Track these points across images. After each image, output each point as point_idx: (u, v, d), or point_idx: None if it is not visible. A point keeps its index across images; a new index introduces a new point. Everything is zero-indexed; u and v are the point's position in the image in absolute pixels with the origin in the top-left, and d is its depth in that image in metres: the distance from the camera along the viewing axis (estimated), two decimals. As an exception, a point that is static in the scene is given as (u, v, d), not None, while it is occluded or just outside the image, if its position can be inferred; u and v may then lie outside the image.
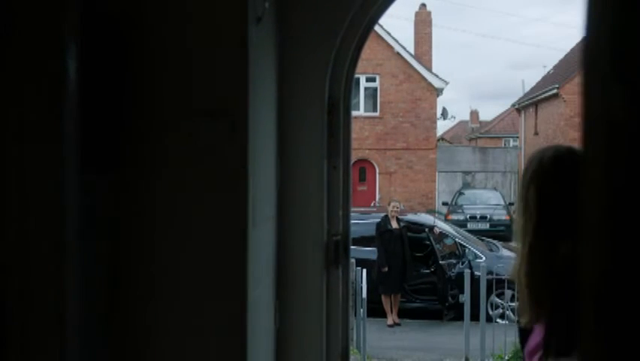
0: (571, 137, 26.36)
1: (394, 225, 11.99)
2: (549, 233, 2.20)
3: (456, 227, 15.60)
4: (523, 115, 34.66)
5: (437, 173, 27.75)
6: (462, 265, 11.79)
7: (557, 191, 2.22)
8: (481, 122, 56.26)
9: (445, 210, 25.19)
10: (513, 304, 10.95)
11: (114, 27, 2.76)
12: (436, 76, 27.50)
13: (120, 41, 2.79)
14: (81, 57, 2.41)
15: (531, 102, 32.37)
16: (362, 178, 26.97)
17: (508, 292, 10.93)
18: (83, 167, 2.44)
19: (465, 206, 24.99)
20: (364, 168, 27.01)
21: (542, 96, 30.00)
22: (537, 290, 2.21)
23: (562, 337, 2.12)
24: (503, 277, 10.10)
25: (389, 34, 26.79)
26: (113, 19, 2.75)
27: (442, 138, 42.82)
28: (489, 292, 9.85)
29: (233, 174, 2.86)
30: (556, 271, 2.15)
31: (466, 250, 12.53)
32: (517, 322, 2.45)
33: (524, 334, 2.33)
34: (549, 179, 2.24)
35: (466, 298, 9.31)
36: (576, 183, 2.26)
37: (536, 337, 2.24)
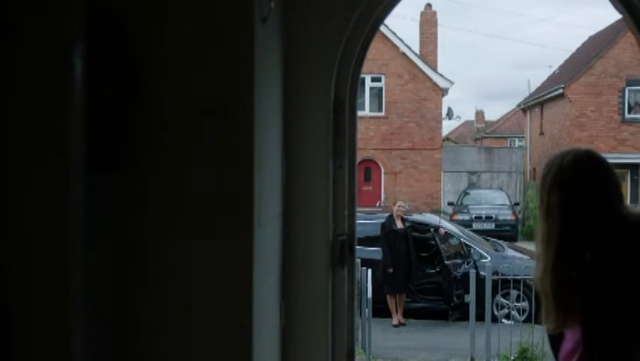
0: (576, 137, 26.29)
1: (399, 225, 11.97)
2: (574, 238, 2.17)
3: (461, 227, 15.54)
4: (528, 115, 34.58)
5: (442, 173, 27.70)
6: (467, 265, 11.75)
7: (580, 195, 2.20)
8: (486, 122, 56.13)
9: (450, 210, 25.12)
10: (518, 304, 10.93)
11: (117, 25, 2.76)
12: (442, 76, 27.45)
13: (124, 40, 2.79)
14: (86, 56, 2.41)
15: (537, 102, 32.29)
16: (367, 178, 26.94)
17: (513, 293, 10.91)
18: (89, 167, 2.44)
19: (470, 206, 24.92)
20: (369, 168, 26.98)
21: (548, 96, 29.92)
22: (566, 296, 2.16)
23: (603, 339, 2.09)
24: (509, 278, 10.08)
25: (394, 34, 26.76)
26: (116, 18, 2.75)
27: (447, 138, 42.78)
28: (494, 293, 9.80)
29: (238, 174, 2.85)
30: (584, 275, 2.12)
31: (472, 250, 12.49)
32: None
33: (555, 340, 2.29)
34: (571, 184, 2.22)
35: (471, 298, 9.28)
36: (597, 186, 2.23)
37: (568, 342, 2.20)
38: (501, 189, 27.56)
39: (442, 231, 12.59)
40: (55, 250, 2.35)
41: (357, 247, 3.97)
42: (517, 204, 26.34)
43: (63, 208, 2.36)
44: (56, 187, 2.35)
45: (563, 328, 2.21)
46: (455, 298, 11.57)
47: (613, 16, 30.96)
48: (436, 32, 29.64)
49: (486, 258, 12.09)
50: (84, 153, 2.41)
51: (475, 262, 11.76)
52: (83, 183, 2.41)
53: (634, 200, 25.37)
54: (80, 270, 2.40)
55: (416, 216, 13.78)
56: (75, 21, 2.38)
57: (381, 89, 27.07)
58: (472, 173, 29.16)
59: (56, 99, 2.35)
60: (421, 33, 29.52)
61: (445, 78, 27.49)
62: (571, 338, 2.19)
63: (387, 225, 11.97)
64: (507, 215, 24.31)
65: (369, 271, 9.39)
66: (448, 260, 11.96)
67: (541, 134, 31.38)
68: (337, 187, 3.69)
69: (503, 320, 10.56)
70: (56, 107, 2.35)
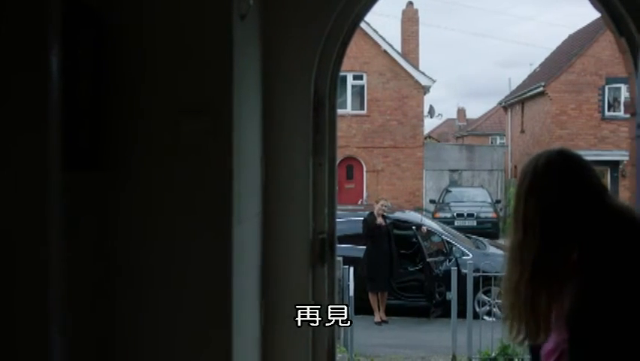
0: (557, 134, 26.46)
1: (381, 222, 11.98)
2: (557, 243, 2.08)
3: (443, 225, 15.58)
4: (509, 113, 34.75)
5: (424, 171, 27.76)
6: (449, 262, 11.79)
7: (561, 197, 2.10)
8: (468, 120, 56.28)
9: (432, 207, 25.20)
10: (499, 301, 10.97)
11: (98, 23, 2.74)
12: (423, 74, 27.50)
13: (104, 39, 2.77)
14: (65, 55, 2.39)
15: (518, 100, 32.46)
16: (349, 176, 26.95)
17: (495, 290, 10.95)
18: (67, 166, 2.42)
19: (452, 204, 25.02)
20: (352, 166, 26.99)
21: (529, 94, 30.09)
22: (542, 309, 2.07)
23: (595, 345, 2.00)
24: (490, 275, 10.12)
25: (376, 32, 26.76)
26: (96, 15, 2.73)
27: (429, 136, 42.82)
28: (476, 290, 9.83)
29: (217, 171, 2.85)
30: (570, 277, 2.03)
31: (453, 248, 12.53)
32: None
33: (537, 349, 2.23)
34: (547, 188, 2.12)
35: (453, 295, 9.31)
36: (578, 183, 2.15)
37: (550, 342, 2.10)
38: (482, 186, 27.67)
39: (424, 229, 12.62)
40: (35, 248, 2.33)
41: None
42: (498, 201, 26.48)
43: (41, 208, 2.34)
44: (34, 187, 2.33)
45: (533, 341, 2.15)
46: (437, 296, 11.61)
47: (593, 14, 31.14)
48: (417, 30, 29.68)
49: (468, 255, 12.13)
50: (62, 153, 2.40)
51: (456, 259, 11.79)
52: (61, 183, 2.39)
53: (614, 197, 25.50)
54: (59, 268, 2.38)
55: (398, 214, 13.79)
56: (52, 19, 2.36)
57: (363, 87, 27.07)
58: (453, 171, 29.25)
59: (33, 99, 2.32)
60: (403, 31, 29.55)
61: (427, 76, 27.55)
62: (551, 340, 2.13)
63: (370, 221, 11.98)
64: (489, 213, 24.44)
65: (352, 268, 9.40)
66: (430, 258, 12.00)
67: (522, 132, 31.55)
68: (317, 185, 3.69)
69: (485, 317, 10.57)
70: (33, 107, 2.33)
